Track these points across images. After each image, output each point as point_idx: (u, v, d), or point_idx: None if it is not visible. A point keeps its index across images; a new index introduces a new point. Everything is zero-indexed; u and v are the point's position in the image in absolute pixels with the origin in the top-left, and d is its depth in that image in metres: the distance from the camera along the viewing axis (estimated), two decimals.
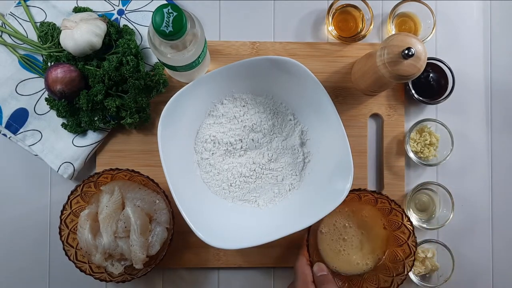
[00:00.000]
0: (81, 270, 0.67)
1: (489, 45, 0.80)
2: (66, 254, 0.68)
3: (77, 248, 0.69)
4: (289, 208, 0.71)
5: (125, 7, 0.76)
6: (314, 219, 0.65)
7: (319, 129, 0.71)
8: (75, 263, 0.67)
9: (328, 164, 0.70)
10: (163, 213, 0.70)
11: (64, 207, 0.68)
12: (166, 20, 0.55)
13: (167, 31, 0.55)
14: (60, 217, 0.68)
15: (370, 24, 0.75)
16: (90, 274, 0.67)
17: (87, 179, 0.68)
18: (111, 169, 0.68)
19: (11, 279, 0.75)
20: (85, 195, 0.70)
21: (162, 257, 0.68)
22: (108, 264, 0.69)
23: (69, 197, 0.68)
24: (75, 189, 0.68)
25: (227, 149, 0.72)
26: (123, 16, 0.75)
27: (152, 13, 0.55)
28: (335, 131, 0.68)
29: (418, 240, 0.73)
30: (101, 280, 0.68)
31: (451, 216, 0.74)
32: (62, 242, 0.68)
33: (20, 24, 0.75)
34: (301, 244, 0.70)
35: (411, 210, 0.75)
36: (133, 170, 0.68)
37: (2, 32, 0.74)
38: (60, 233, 0.68)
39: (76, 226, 0.69)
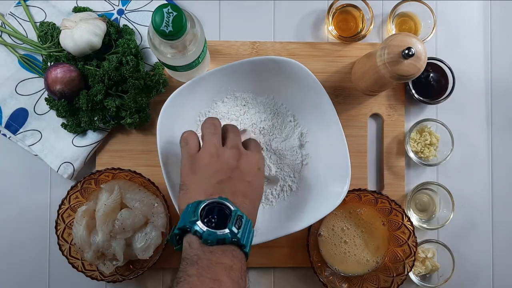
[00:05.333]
0: (74, 266, 0.67)
1: (489, 45, 0.80)
2: (60, 249, 0.68)
3: (71, 244, 0.69)
4: (287, 209, 0.70)
5: (125, 7, 0.76)
6: (311, 221, 0.65)
7: (319, 131, 0.71)
8: (68, 259, 0.67)
9: (326, 167, 0.70)
10: (161, 217, 0.70)
11: (62, 201, 0.68)
12: (166, 20, 0.55)
13: (167, 31, 0.55)
14: (58, 211, 0.68)
15: (370, 24, 0.75)
16: (82, 271, 0.68)
17: (88, 176, 0.68)
18: (113, 168, 0.68)
19: (11, 279, 0.75)
20: (85, 191, 0.70)
21: (156, 261, 0.68)
22: (100, 263, 0.69)
23: (68, 192, 0.68)
24: (75, 185, 0.68)
25: None
26: (123, 16, 0.75)
27: (152, 13, 0.55)
28: (334, 135, 0.68)
29: (418, 240, 0.73)
30: (92, 278, 0.68)
31: (451, 216, 0.73)
32: (57, 236, 0.68)
33: (20, 24, 0.75)
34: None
35: (411, 210, 0.75)
36: (134, 172, 0.68)
37: (2, 32, 0.74)
38: (56, 227, 0.68)
39: (73, 222, 0.69)
